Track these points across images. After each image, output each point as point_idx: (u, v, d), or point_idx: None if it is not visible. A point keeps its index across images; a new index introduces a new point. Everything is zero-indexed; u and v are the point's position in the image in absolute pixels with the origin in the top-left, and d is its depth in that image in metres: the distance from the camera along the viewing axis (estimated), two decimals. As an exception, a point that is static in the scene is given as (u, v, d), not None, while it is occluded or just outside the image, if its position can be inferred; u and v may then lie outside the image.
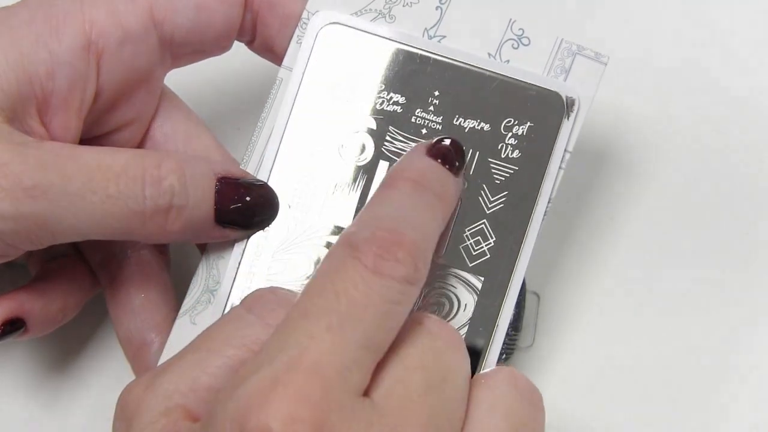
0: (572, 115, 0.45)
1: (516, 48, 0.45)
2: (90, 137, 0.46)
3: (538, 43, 0.45)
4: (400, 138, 0.45)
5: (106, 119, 0.46)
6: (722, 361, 0.54)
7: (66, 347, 0.54)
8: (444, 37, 0.45)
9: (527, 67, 0.45)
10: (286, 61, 0.45)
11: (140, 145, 0.48)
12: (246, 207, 0.44)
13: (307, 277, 0.44)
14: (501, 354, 0.49)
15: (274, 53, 0.46)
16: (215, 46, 0.47)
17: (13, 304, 0.45)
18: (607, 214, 0.55)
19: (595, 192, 0.55)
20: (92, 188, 0.41)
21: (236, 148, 0.48)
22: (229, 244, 0.45)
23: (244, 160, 0.45)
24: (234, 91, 0.57)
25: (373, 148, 0.45)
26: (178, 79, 0.49)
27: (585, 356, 0.54)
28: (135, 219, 0.42)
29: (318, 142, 0.45)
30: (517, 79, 0.45)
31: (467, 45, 0.45)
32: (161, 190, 0.42)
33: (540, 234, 0.45)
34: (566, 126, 0.45)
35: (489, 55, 0.45)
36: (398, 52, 0.45)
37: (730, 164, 0.56)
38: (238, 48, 0.48)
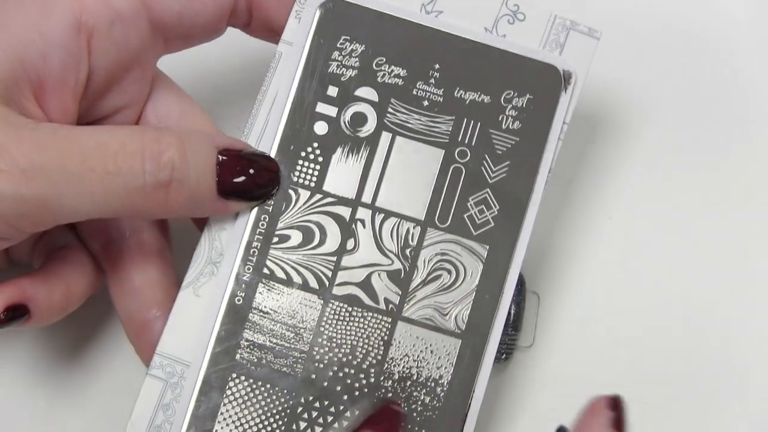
0: (569, 88, 0.46)
1: (512, 23, 0.46)
2: (86, 122, 0.46)
3: (533, 18, 0.46)
4: (402, 110, 0.45)
5: (100, 103, 0.46)
6: (724, 361, 0.54)
7: (75, 339, 0.53)
8: (441, 12, 0.46)
9: (523, 42, 0.46)
10: (285, 36, 0.46)
11: (136, 124, 0.47)
12: (249, 179, 0.44)
13: (313, 247, 0.44)
14: (500, 352, 0.49)
15: (273, 32, 0.47)
16: (207, 29, 0.47)
17: (16, 289, 0.44)
18: (605, 214, 0.55)
19: (592, 186, 0.56)
20: (90, 166, 0.40)
21: (231, 133, 0.48)
22: (232, 215, 0.44)
23: (245, 133, 0.45)
24: (227, 79, 0.57)
25: (375, 120, 0.45)
26: (171, 67, 0.49)
27: (585, 356, 0.53)
28: (136, 195, 0.41)
29: (320, 114, 0.45)
30: (516, 53, 0.45)
31: (464, 20, 0.46)
32: (161, 165, 0.41)
33: (541, 204, 0.45)
34: (564, 98, 0.46)
35: (485, 29, 0.46)
36: (398, 25, 0.46)
37: (720, 128, 0.57)
38: (231, 34, 0.48)
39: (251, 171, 0.44)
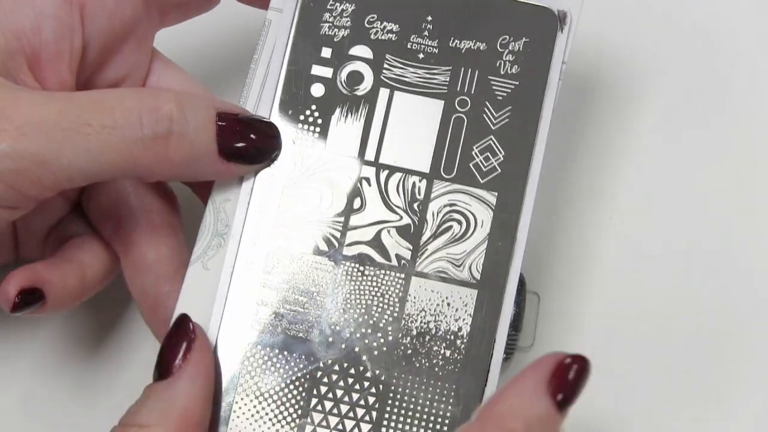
0: (565, 29, 0.45)
1: None
2: None
3: None
4: (398, 65, 0.45)
5: (99, 77, 0.46)
6: (726, 362, 0.53)
7: (95, 330, 0.53)
8: None
9: None
10: (273, 2, 0.45)
11: None
12: (250, 142, 0.43)
13: (320, 210, 0.43)
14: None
15: None
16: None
17: (30, 273, 0.44)
18: (606, 214, 0.55)
19: (593, 187, 0.55)
20: (87, 120, 0.40)
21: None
22: (235, 184, 0.44)
23: (241, 103, 0.45)
24: (223, 52, 0.57)
25: (371, 77, 0.44)
26: (167, 45, 0.49)
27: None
28: (134, 148, 0.41)
29: (316, 76, 0.44)
30: None
31: None
32: (159, 116, 0.41)
33: (546, 153, 0.44)
34: (561, 39, 0.45)
35: None
36: None
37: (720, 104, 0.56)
38: (224, 5, 0.48)
39: (252, 134, 0.43)
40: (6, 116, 0.39)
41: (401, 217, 0.44)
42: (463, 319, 0.43)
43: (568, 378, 0.39)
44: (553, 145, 0.45)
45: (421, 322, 0.43)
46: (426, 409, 0.42)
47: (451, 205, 0.44)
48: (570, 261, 0.54)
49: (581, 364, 0.39)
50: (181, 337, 0.41)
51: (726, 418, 0.52)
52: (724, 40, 0.57)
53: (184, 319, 0.42)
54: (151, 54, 0.48)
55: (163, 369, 0.41)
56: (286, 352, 0.43)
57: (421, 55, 0.45)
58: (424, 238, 0.43)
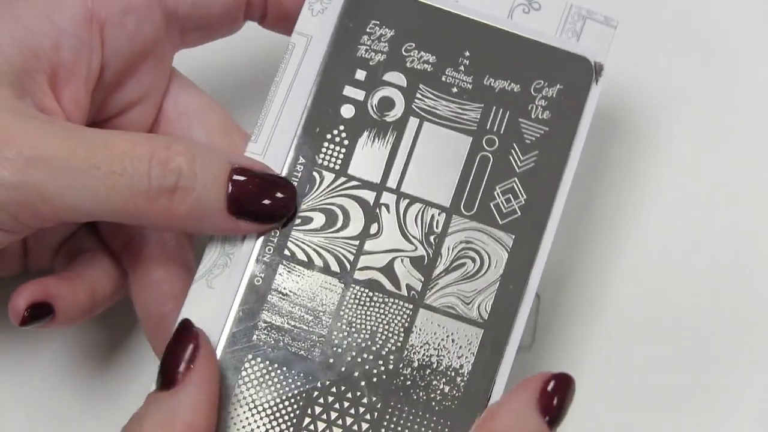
0: (600, 80, 0.45)
1: (527, 13, 0.45)
2: (103, 119, 0.46)
3: (549, 7, 0.46)
4: (430, 96, 0.45)
5: (117, 96, 0.46)
6: (726, 358, 0.53)
7: (104, 345, 0.53)
8: (456, 1, 0.45)
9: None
10: (298, 27, 0.45)
11: (154, 122, 0.47)
12: (264, 201, 0.43)
13: (336, 230, 0.43)
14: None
15: (289, 23, 0.46)
16: (223, 21, 0.47)
17: (40, 287, 0.44)
18: (607, 215, 0.55)
19: (592, 187, 0.55)
20: (96, 163, 0.40)
21: (250, 129, 0.47)
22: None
23: (258, 126, 0.44)
24: (246, 75, 0.57)
25: (403, 105, 0.44)
26: (189, 66, 0.49)
27: (585, 356, 0.53)
28: (139, 199, 0.40)
29: (347, 97, 0.44)
30: (547, 44, 0.45)
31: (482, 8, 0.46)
32: (167, 170, 0.40)
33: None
34: (594, 90, 0.45)
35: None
36: (428, 11, 0.45)
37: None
38: (248, 30, 0.48)
39: (266, 195, 0.43)
40: (16, 146, 0.39)
41: (416, 248, 0.43)
42: (466, 357, 0.43)
43: (554, 400, 0.40)
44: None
45: (423, 354, 0.43)
46: (417, 443, 0.42)
47: (467, 242, 0.44)
48: (570, 261, 0.54)
49: (566, 384, 0.40)
50: (185, 344, 0.41)
51: (726, 418, 0.52)
52: (742, 70, 0.57)
53: (187, 324, 0.41)
54: (170, 74, 0.47)
55: (167, 376, 0.40)
56: (285, 368, 0.43)
57: (454, 89, 0.45)
58: (437, 271, 0.43)
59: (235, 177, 0.42)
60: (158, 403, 0.39)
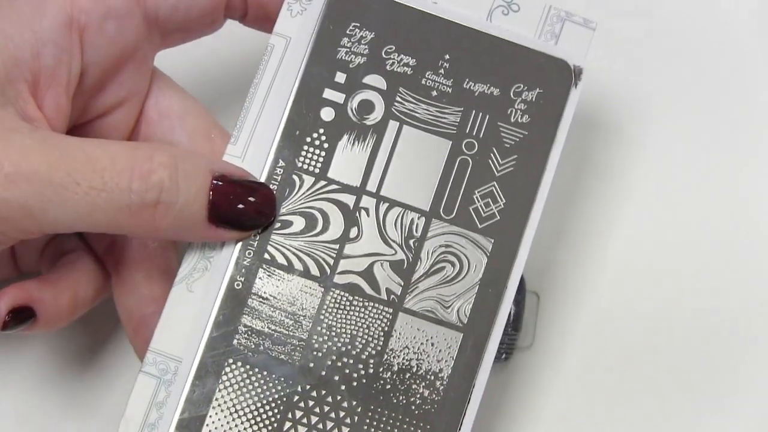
0: (579, 84, 0.45)
1: (506, 14, 0.45)
2: (84, 121, 0.46)
3: (528, 9, 0.46)
4: (410, 99, 0.45)
5: (98, 100, 0.45)
6: (727, 362, 0.53)
7: (86, 346, 0.53)
8: (435, 3, 0.45)
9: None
10: (277, 28, 0.45)
11: (136, 125, 0.47)
12: (243, 208, 0.43)
13: (315, 234, 0.43)
14: (500, 352, 0.48)
15: (270, 22, 0.46)
16: (203, 22, 0.46)
17: (21, 292, 0.44)
18: (605, 214, 0.55)
19: (592, 186, 0.55)
20: (76, 179, 0.39)
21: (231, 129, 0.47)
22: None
23: (237, 128, 0.44)
24: (228, 74, 0.57)
25: (383, 108, 0.44)
26: (170, 64, 0.49)
27: (585, 356, 0.53)
28: (120, 214, 0.40)
29: (327, 100, 0.44)
30: (527, 47, 0.45)
31: (460, 9, 0.45)
32: (149, 185, 0.40)
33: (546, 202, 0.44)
34: (573, 94, 0.45)
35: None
36: (408, 14, 0.45)
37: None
38: (229, 28, 0.48)
39: (247, 200, 0.43)
40: None
41: (396, 252, 0.44)
42: (446, 361, 0.43)
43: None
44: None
45: (403, 358, 0.43)
46: (397, 446, 0.43)
47: (446, 246, 0.44)
48: (570, 261, 0.54)
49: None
50: None
51: (727, 418, 0.53)
52: (721, 70, 0.57)
53: None
54: (152, 74, 0.47)
55: None
56: (265, 372, 0.43)
57: (434, 93, 0.45)
58: (417, 275, 0.44)
59: (216, 186, 0.42)
60: None
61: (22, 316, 0.43)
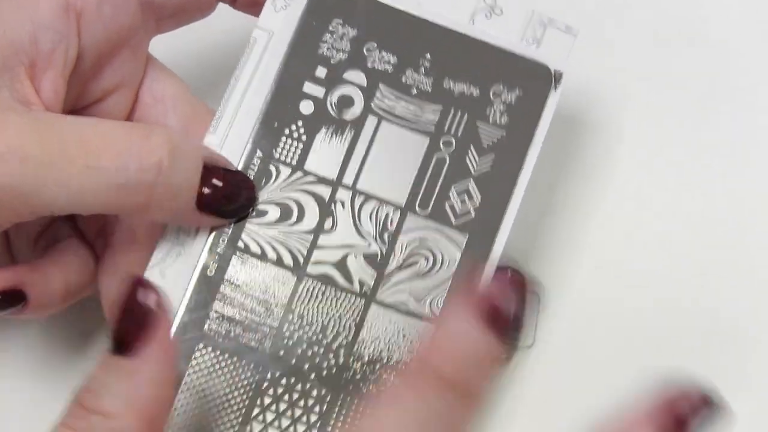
0: (559, 88, 0.46)
1: (489, 18, 0.46)
2: (80, 107, 0.46)
3: (511, 13, 0.46)
4: (390, 96, 0.45)
5: (94, 84, 0.46)
6: (726, 361, 0.53)
7: (80, 334, 0.53)
8: (419, 4, 0.46)
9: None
10: (260, 22, 0.46)
11: (131, 110, 0.47)
12: (227, 196, 0.43)
13: (290, 224, 0.44)
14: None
15: (260, 5, 0.46)
16: (197, 7, 0.47)
17: (12, 275, 0.44)
18: (604, 214, 0.55)
19: (591, 186, 0.55)
20: (70, 158, 0.39)
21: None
22: None
23: (216, 118, 0.45)
24: (216, 60, 0.57)
25: (362, 104, 0.45)
26: (161, 49, 0.49)
27: (585, 356, 0.53)
28: (115, 192, 0.40)
29: (307, 94, 0.45)
30: (508, 50, 0.45)
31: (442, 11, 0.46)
32: (147, 165, 0.40)
33: (540, 203, 0.45)
34: (553, 97, 0.45)
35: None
36: (391, 13, 0.46)
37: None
38: (220, 13, 0.48)
39: (230, 188, 0.43)
40: None
41: (370, 245, 0.44)
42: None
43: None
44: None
45: (374, 349, 0.43)
46: (365, 437, 0.42)
47: (421, 240, 0.44)
48: (570, 261, 0.54)
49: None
50: (144, 310, 0.37)
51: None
52: (702, 67, 0.58)
53: (141, 282, 0.38)
54: (146, 60, 0.47)
55: (126, 340, 0.37)
56: (236, 358, 0.43)
57: (414, 90, 0.45)
58: (390, 268, 0.44)
59: (207, 174, 0.42)
60: (118, 371, 0.36)
61: (12, 299, 0.43)
